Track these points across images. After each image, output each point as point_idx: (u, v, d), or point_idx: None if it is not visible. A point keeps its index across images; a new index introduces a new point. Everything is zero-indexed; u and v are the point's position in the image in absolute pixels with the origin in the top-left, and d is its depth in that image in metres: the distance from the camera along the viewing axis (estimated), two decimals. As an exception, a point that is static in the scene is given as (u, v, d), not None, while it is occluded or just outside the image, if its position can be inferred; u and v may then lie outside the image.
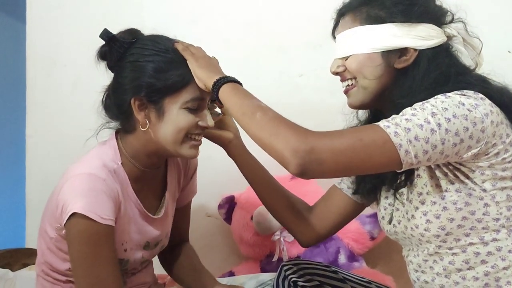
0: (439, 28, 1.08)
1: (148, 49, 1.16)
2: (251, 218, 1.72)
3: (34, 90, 1.94)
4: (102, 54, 1.19)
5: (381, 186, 1.20)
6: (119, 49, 1.16)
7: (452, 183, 1.02)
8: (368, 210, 1.76)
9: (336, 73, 1.14)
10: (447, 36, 1.09)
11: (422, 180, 1.05)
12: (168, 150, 1.18)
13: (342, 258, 1.66)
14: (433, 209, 1.03)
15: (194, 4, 1.89)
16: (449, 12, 1.11)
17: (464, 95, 0.98)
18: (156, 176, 1.29)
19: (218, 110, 1.28)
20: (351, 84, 1.12)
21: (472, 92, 0.99)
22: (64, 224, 1.10)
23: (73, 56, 1.92)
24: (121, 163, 1.19)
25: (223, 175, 1.87)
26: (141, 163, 1.22)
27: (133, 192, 1.21)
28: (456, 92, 0.99)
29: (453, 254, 1.05)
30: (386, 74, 1.08)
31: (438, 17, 1.09)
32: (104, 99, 1.24)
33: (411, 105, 1.00)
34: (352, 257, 1.69)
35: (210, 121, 1.18)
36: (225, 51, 1.84)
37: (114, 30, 1.21)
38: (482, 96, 0.99)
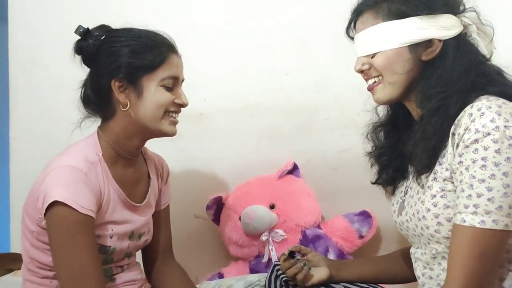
0: (456, 18, 1.09)
1: (123, 37, 1.23)
2: (239, 219, 1.71)
3: (16, 92, 1.92)
4: (79, 49, 1.25)
5: (400, 179, 1.23)
6: (95, 41, 1.23)
7: None
8: (357, 208, 1.78)
9: (361, 71, 1.15)
10: (463, 25, 1.10)
11: (438, 184, 1.06)
12: (149, 127, 1.23)
13: (331, 257, 1.66)
14: (445, 213, 1.04)
15: (177, 1, 1.88)
16: (462, 1, 1.12)
17: (499, 114, 0.97)
18: (138, 168, 1.33)
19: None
20: (377, 81, 1.13)
21: (501, 102, 1.00)
22: (45, 214, 1.12)
23: (55, 57, 1.89)
24: (102, 154, 1.23)
25: (210, 175, 1.86)
26: (122, 149, 1.26)
27: (114, 182, 1.24)
28: (490, 111, 0.98)
29: None
30: (415, 67, 1.09)
31: (455, 6, 1.11)
32: (82, 94, 1.29)
33: (444, 94, 1.03)
34: (341, 255, 1.69)
35: (185, 99, 1.27)
36: (209, 49, 1.84)
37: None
38: (504, 101, 1.01)
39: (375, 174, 1.27)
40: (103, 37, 1.23)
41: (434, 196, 1.06)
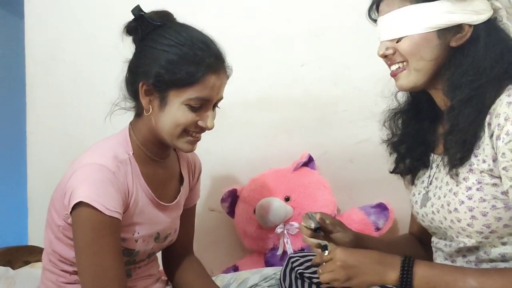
0: (487, 1, 1.04)
1: (168, 39, 1.15)
2: (254, 211, 1.70)
3: (33, 86, 1.94)
4: (129, 30, 1.19)
5: (420, 168, 1.19)
6: (145, 28, 1.17)
7: None
8: (373, 200, 1.75)
9: (385, 56, 1.10)
10: (493, 9, 1.05)
11: (475, 176, 1.01)
12: (166, 140, 1.19)
13: (348, 250, 1.64)
14: (481, 206, 1.00)
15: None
16: None
17: None
18: (169, 168, 1.30)
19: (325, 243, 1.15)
20: (401, 67, 1.08)
21: None
22: (71, 212, 1.11)
23: (72, 52, 1.91)
24: (132, 153, 1.20)
25: (225, 168, 1.86)
26: (150, 151, 1.23)
27: (144, 182, 1.21)
28: None
29: (491, 246, 1.02)
30: (442, 54, 1.04)
31: None
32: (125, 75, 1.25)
33: (478, 82, 0.98)
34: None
35: (210, 123, 1.18)
36: (225, 42, 1.82)
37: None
38: None
39: (393, 163, 1.23)
40: (154, 28, 1.16)
41: (470, 188, 1.01)
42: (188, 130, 1.17)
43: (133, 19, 1.18)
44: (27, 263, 1.68)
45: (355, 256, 1.03)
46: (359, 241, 1.21)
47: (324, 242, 1.13)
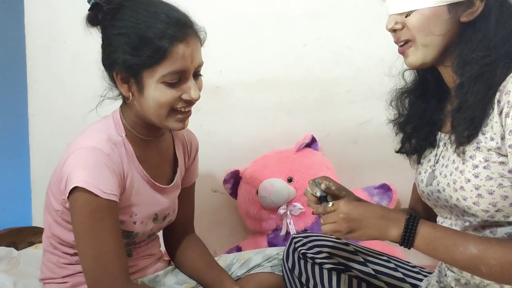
0: None
1: (126, 20, 1.11)
2: (257, 192, 1.70)
3: (34, 68, 1.92)
4: (90, 20, 1.14)
5: (426, 147, 1.17)
6: (105, 15, 1.13)
7: None
8: (376, 182, 1.75)
9: (393, 30, 1.06)
10: None
11: (482, 154, 1.00)
12: (155, 123, 1.17)
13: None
14: (487, 184, 0.99)
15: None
16: None
17: None
18: (163, 150, 1.29)
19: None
20: (408, 43, 1.05)
21: None
22: (68, 197, 1.10)
23: (72, 33, 1.88)
24: (125, 135, 1.19)
25: (227, 150, 1.86)
26: (141, 133, 1.21)
27: (138, 163, 1.21)
28: None
29: (497, 225, 1.01)
30: (452, 29, 1.01)
31: None
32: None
33: (488, 58, 0.96)
34: (360, 229, 1.68)
35: (194, 94, 1.13)
36: (226, 22, 1.81)
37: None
38: None
39: (399, 143, 1.21)
40: (112, 13, 1.12)
41: (476, 166, 1.00)
42: (175, 107, 1.13)
43: (90, 8, 1.13)
44: (31, 244, 1.69)
45: (359, 209, 1.03)
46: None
47: (324, 195, 1.11)
